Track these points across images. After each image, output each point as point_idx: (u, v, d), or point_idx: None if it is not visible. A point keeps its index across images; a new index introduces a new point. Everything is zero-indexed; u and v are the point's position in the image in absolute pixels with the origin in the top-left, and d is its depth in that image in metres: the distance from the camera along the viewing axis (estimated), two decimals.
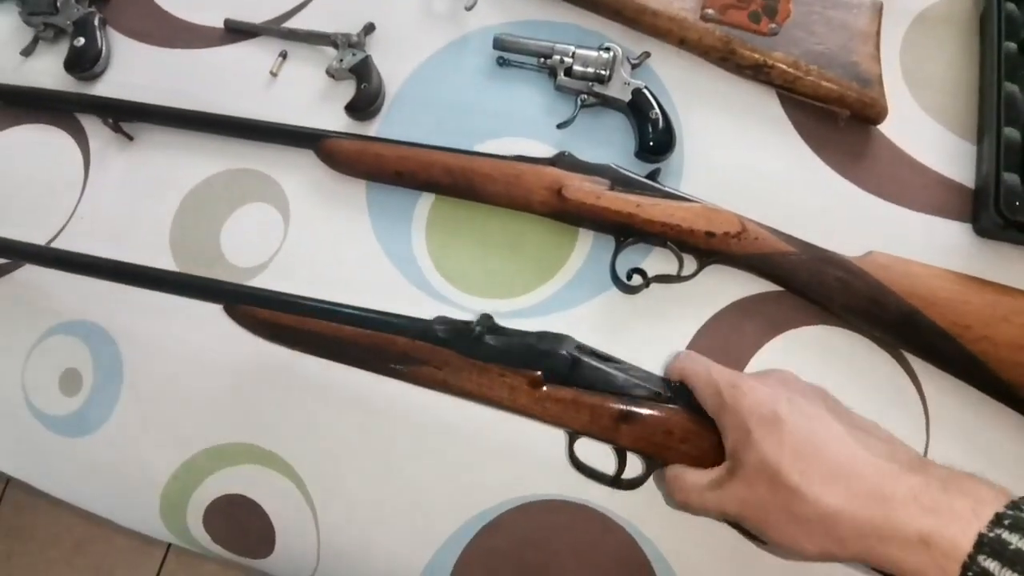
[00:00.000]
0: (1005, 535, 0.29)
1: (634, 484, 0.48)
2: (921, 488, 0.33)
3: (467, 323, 0.47)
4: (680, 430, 0.44)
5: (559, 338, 0.46)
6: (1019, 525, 0.29)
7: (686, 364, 0.45)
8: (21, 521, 1.35)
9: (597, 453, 0.50)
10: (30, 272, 0.63)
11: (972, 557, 0.29)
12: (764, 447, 0.37)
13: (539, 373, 0.44)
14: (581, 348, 0.46)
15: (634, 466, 0.49)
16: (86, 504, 0.60)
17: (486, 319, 0.47)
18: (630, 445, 0.45)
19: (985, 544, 0.29)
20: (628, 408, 0.44)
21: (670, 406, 0.44)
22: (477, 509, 0.53)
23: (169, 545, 1.16)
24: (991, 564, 0.29)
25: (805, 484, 0.35)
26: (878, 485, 0.33)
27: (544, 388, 0.45)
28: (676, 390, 0.45)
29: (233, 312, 0.51)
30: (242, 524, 0.56)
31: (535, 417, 0.46)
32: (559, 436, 0.51)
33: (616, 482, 0.49)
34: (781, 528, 0.36)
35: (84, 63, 0.69)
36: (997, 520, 0.30)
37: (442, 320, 0.48)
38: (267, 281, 0.60)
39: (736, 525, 0.43)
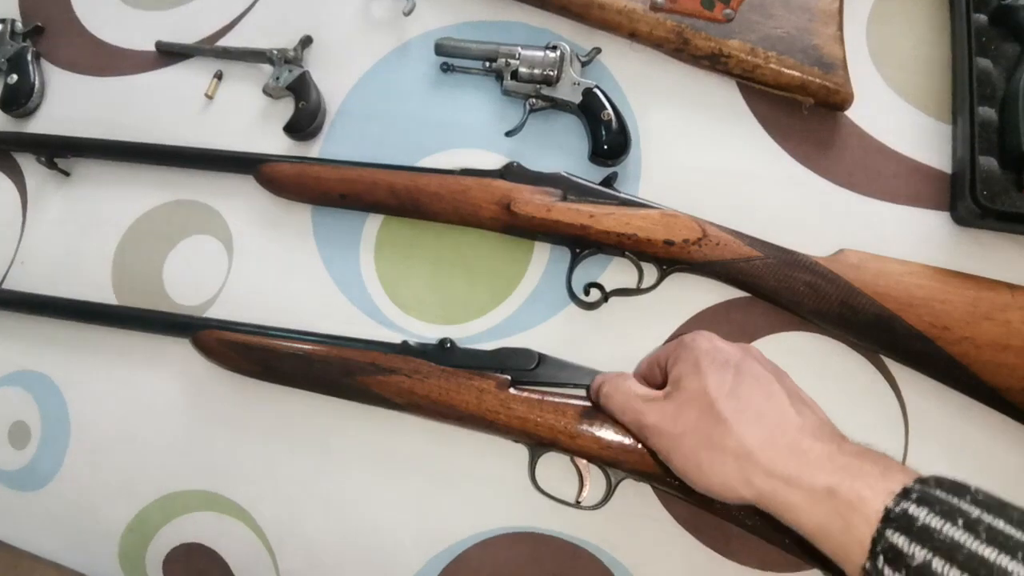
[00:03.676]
0: (912, 509, 0.28)
1: (598, 504, 0.47)
2: (836, 453, 0.34)
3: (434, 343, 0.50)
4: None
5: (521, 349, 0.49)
6: (927, 499, 0.29)
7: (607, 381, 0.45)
8: None
9: (558, 478, 0.48)
10: None
11: (880, 532, 0.29)
12: (709, 380, 0.38)
13: (507, 376, 0.47)
14: (543, 356, 0.49)
15: (598, 487, 0.47)
16: (53, 556, 0.58)
17: (448, 342, 0.49)
18: (592, 452, 0.45)
19: (892, 519, 0.29)
20: (590, 407, 0.45)
21: None
22: (441, 546, 0.50)
23: None
24: (899, 539, 0.28)
25: (733, 420, 0.36)
26: (797, 441, 0.35)
27: (511, 390, 0.46)
28: None
29: (200, 339, 0.52)
30: (202, 574, 0.54)
31: (499, 424, 0.46)
32: (521, 466, 0.49)
33: (579, 498, 0.48)
34: (694, 453, 0.37)
35: (19, 99, 0.66)
36: (904, 494, 0.29)
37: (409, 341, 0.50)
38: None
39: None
